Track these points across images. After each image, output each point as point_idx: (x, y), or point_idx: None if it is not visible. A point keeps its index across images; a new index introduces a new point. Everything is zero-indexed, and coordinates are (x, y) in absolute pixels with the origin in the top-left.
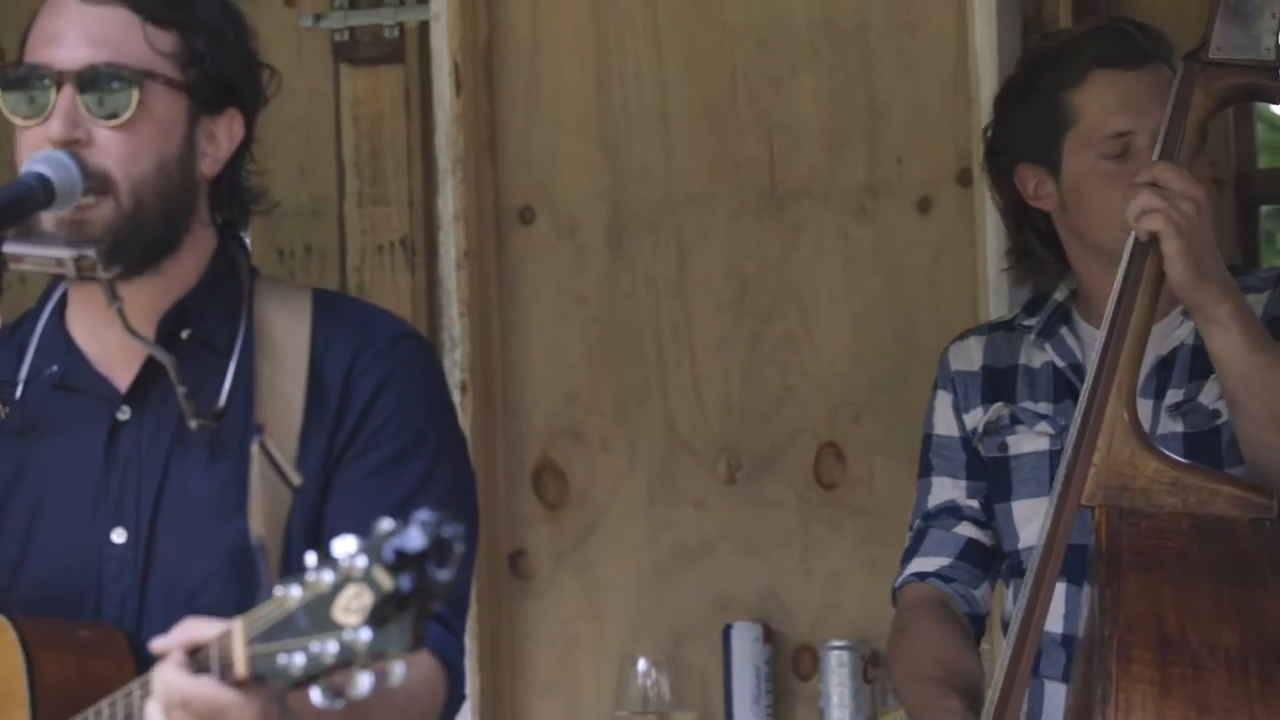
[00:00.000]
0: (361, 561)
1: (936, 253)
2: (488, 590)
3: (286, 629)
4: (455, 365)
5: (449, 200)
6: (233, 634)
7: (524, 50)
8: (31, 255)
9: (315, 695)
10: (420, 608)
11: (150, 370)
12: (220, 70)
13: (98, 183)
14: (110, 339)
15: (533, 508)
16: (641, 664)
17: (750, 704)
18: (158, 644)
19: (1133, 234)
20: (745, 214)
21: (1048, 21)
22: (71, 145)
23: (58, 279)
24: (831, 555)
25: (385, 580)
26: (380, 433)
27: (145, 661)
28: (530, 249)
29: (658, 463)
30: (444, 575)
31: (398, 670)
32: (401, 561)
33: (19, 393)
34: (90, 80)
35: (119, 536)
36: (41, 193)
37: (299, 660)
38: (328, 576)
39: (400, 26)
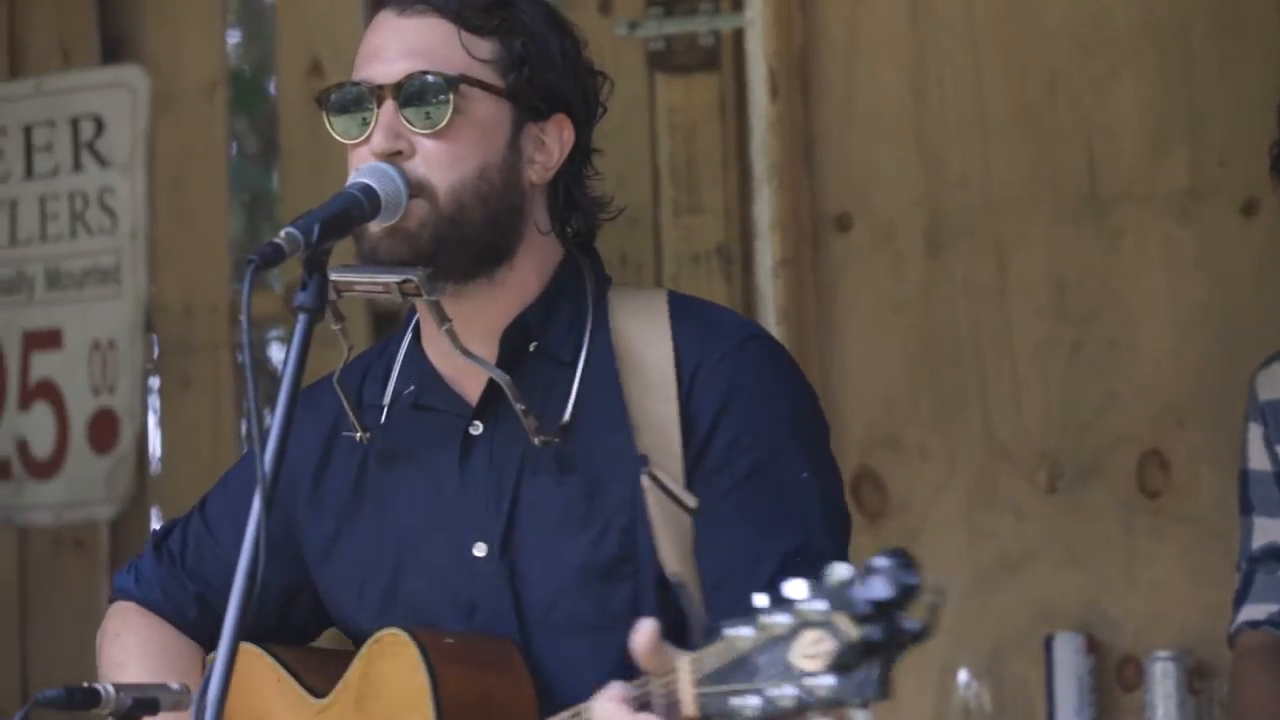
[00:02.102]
0: (820, 605)
1: (1262, 256)
2: None
3: (740, 671)
4: None
5: (765, 208)
6: (679, 672)
7: (840, 55)
8: (359, 281)
9: None
10: (889, 656)
11: (497, 384)
12: (543, 75)
13: (419, 191)
14: (458, 355)
15: (852, 517)
16: (962, 675)
17: (1073, 716)
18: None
19: None
20: (1065, 219)
21: None
22: (394, 157)
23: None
24: (1156, 565)
25: (849, 627)
26: (735, 445)
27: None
28: (847, 256)
29: (977, 471)
30: (913, 625)
31: (858, 718)
32: (873, 611)
33: (384, 417)
34: (408, 91)
35: (480, 550)
36: (367, 204)
37: (753, 702)
38: (783, 619)
39: (715, 33)
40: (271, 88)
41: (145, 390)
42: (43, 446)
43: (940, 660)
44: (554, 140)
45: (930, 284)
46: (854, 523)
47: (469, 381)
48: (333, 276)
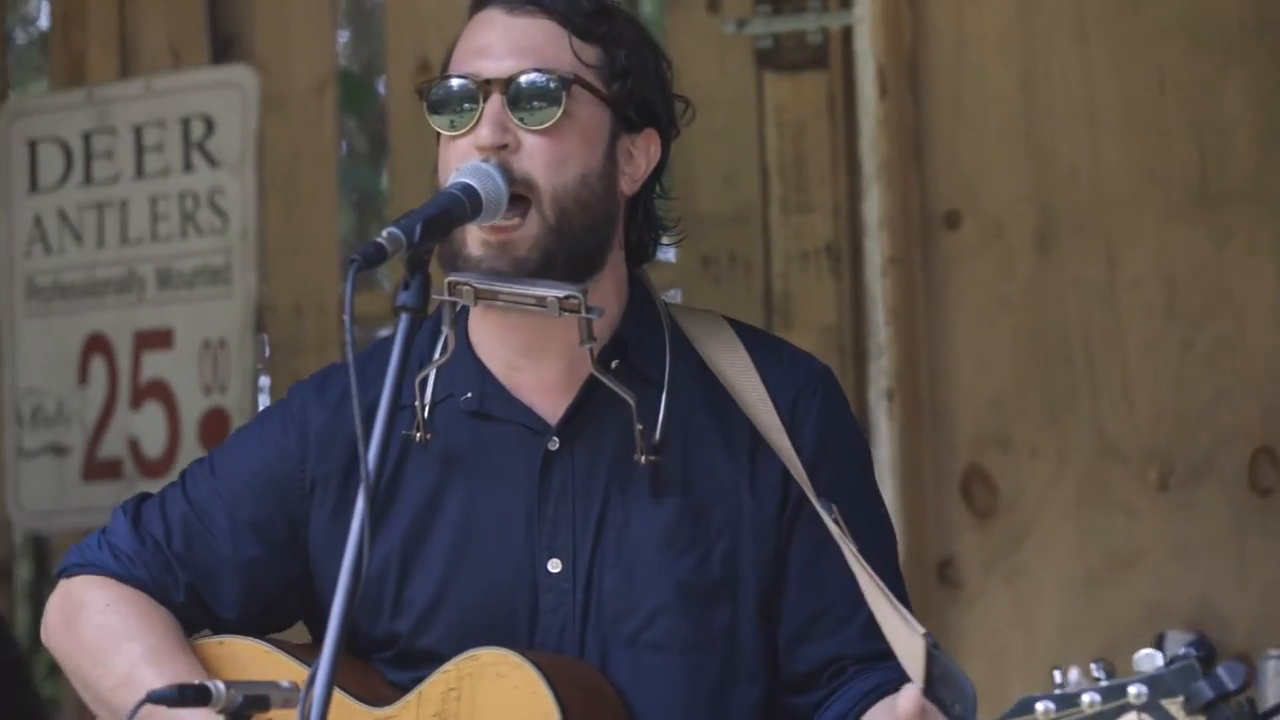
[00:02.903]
0: (1143, 692)
1: None
2: (915, 599)
3: None
4: (881, 372)
5: (874, 206)
6: None
7: (949, 52)
8: (507, 292)
9: None
10: None
11: (583, 402)
12: (641, 88)
13: (522, 189)
14: (527, 369)
15: (961, 515)
16: (1073, 674)
17: None
18: None
19: None
20: (1175, 216)
21: None
22: (499, 152)
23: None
24: (1267, 562)
25: (1181, 714)
26: (837, 479)
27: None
28: (956, 254)
29: (1087, 469)
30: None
31: None
32: (1214, 701)
33: (425, 413)
34: (518, 87)
35: (555, 567)
36: (468, 204)
37: None
38: (1096, 699)
39: (824, 31)
40: (380, 87)
41: (256, 389)
42: (154, 445)
43: (1050, 658)
44: (642, 154)
45: (1040, 281)
46: (965, 521)
47: (540, 396)
48: (478, 284)
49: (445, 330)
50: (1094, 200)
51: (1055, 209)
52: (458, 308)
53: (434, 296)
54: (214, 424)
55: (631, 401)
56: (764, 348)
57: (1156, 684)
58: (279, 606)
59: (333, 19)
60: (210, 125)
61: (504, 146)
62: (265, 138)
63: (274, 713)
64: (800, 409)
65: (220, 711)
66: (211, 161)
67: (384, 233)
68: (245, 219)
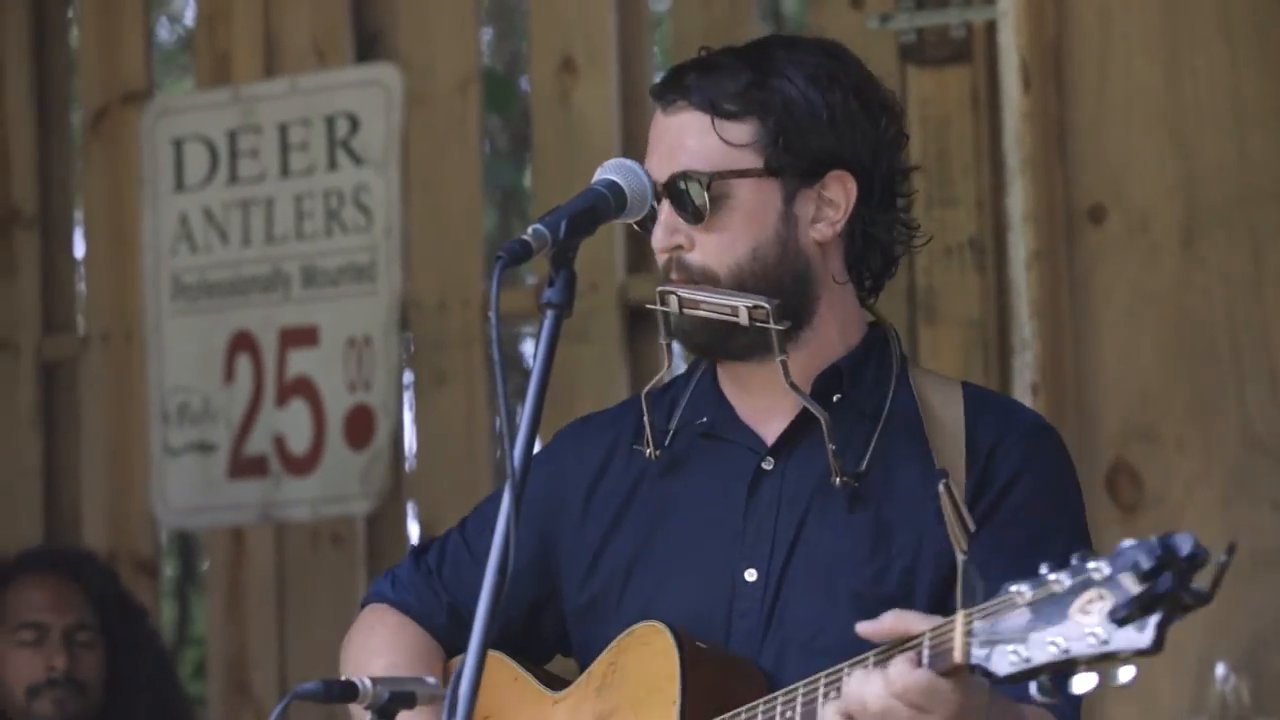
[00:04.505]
0: (1105, 569)
1: None
2: None
3: (1014, 624)
4: (1025, 367)
5: (1018, 200)
6: (955, 623)
7: (1093, 46)
8: (707, 301)
9: (1032, 689)
10: (1170, 609)
11: (798, 427)
12: (804, 143)
13: (700, 277)
14: (759, 394)
15: (1107, 511)
16: (1220, 669)
17: None
18: (864, 628)
19: None
20: None
21: None
22: (676, 251)
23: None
24: None
25: (1132, 584)
26: (1019, 512)
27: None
28: (1101, 248)
29: (1234, 464)
30: (1200, 586)
31: (1124, 673)
32: (1163, 562)
33: (668, 439)
34: (673, 191)
35: (750, 576)
36: (613, 201)
37: (1022, 652)
38: (1065, 579)
39: (967, 25)
40: (524, 85)
41: (400, 386)
42: (299, 442)
43: (1198, 654)
44: (838, 195)
45: (1185, 275)
46: (1109, 516)
47: (765, 420)
48: (682, 293)
49: (663, 342)
50: (1239, 193)
51: (1201, 203)
52: (671, 319)
53: (647, 307)
54: (358, 421)
55: (824, 421)
56: (986, 400)
57: (1118, 560)
58: (533, 629)
59: (476, 17)
60: (355, 123)
61: (679, 247)
62: (409, 135)
63: None
64: (1002, 448)
65: (367, 707)
66: (356, 159)
67: (529, 230)
68: (389, 216)
